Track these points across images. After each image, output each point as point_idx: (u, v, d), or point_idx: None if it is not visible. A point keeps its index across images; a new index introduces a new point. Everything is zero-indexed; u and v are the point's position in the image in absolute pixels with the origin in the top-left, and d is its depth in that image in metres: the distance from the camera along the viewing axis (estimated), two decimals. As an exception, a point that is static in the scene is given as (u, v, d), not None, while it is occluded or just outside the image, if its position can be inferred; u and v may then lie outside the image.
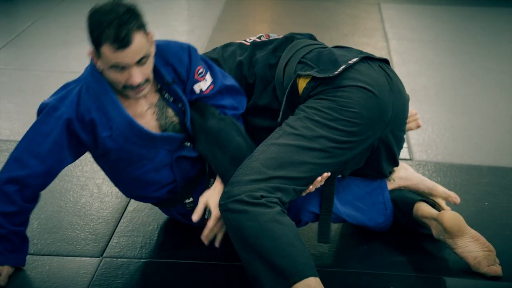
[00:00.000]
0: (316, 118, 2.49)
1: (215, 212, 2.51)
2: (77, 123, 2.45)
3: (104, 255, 2.72)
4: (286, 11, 6.51)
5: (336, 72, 2.53)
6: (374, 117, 2.52)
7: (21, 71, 4.70)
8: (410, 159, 3.55)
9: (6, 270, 2.52)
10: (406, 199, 2.79)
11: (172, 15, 6.04)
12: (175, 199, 2.69)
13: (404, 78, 4.62)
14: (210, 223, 2.52)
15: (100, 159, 2.62)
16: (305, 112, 2.52)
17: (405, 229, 2.82)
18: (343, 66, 2.54)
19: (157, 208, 2.97)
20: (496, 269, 2.58)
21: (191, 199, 2.68)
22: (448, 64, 5.05)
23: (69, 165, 3.33)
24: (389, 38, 5.56)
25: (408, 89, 4.40)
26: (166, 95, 2.56)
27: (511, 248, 2.79)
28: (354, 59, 2.58)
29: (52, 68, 4.77)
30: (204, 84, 2.60)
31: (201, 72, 2.59)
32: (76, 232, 2.85)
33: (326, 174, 2.51)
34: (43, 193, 3.09)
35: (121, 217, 2.96)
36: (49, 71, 4.72)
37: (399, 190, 2.84)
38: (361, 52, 2.67)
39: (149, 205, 3.02)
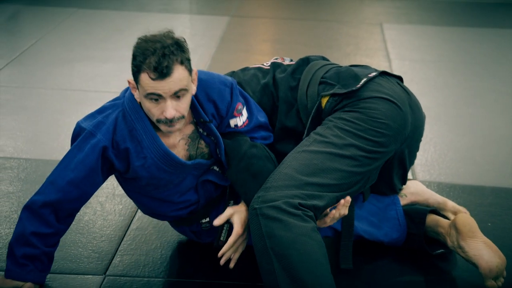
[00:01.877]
0: (346, 128, 2.52)
1: (237, 228, 2.51)
2: (112, 151, 2.48)
3: (107, 273, 2.72)
4: (288, 31, 6.54)
5: (358, 85, 2.58)
6: (399, 129, 2.56)
7: (24, 89, 4.72)
8: (413, 179, 3.54)
9: (28, 286, 2.53)
10: (418, 210, 2.83)
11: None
12: (192, 218, 2.70)
13: (406, 98, 4.68)
14: (231, 240, 2.51)
15: (127, 182, 2.63)
16: (333, 122, 2.55)
17: (411, 247, 2.83)
18: (364, 79, 2.60)
19: (160, 226, 2.98)
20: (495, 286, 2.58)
21: (207, 219, 2.70)
22: (450, 85, 5.06)
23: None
24: (391, 58, 5.59)
25: (410, 109, 4.47)
26: (201, 130, 2.57)
27: (514, 269, 2.79)
28: (374, 73, 2.65)
29: (55, 85, 4.79)
30: (239, 120, 2.62)
31: (240, 109, 2.60)
32: (79, 250, 2.85)
33: (348, 199, 2.52)
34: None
35: (124, 235, 2.96)
36: (52, 88, 4.73)
37: (410, 204, 2.87)
38: (377, 70, 2.72)
39: (152, 223, 3.02)
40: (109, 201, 3.22)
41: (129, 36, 5.93)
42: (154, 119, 2.42)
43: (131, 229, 3.00)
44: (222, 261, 2.55)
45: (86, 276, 2.69)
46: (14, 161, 3.64)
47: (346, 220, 2.67)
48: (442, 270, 2.77)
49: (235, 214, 2.54)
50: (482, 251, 2.60)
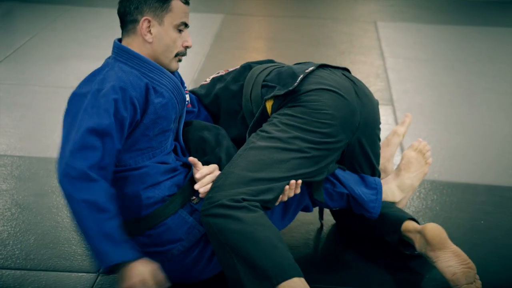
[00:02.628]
0: (290, 122, 2.54)
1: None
2: (131, 90, 2.37)
3: (101, 270, 2.72)
4: (282, 28, 6.54)
5: (295, 84, 2.61)
6: (345, 118, 2.58)
7: (19, 86, 4.71)
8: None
9: (156, 270, 2.31)
10: (395, 217, 2.79)
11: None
12: (181, 195, 2.56)
13: (400, 96, 4.70)
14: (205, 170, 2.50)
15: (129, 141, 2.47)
16: (277, 118, 2.57)
17: (389, 247, 2.83)
18: (301, 76, 2.63)
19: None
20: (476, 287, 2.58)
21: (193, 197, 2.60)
22: (444, 83, 5.07)
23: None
24: (386, 56, 5.59)
25: (404, 107, 4.49)
26: None
27: (507, 267, 2.80)
28: (311, 68, 2.69)
29: (49, 82, 4.78)
30: None
31: None
32: (73, 247, 2.84)
33: (298, 182, 2.51)
34: (40, 208, 3.11)
35: (118, 233, 2.95)
36: (46, 85, 4.72)
37: (390, 207, 2.86)
38: (317, 64, 2.75)
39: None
40: (103, 198, 3.21)
41: (123, 34, 5.95)
42: (174, 53, 2.48)
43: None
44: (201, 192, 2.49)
45: (79, 274, 2.68)
46: (8, 158, 3.63)
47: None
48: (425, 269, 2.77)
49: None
50: (450, 262, 2.58)
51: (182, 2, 2.46)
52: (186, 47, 2.50)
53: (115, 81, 2.34)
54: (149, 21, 2.43)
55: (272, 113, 2.65)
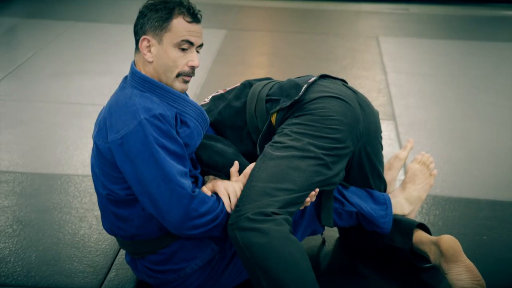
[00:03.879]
0: (301, 131, 2.56)
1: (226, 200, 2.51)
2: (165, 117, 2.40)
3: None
4: (285, 44, 6.56)
5: (300, 93, 2.65)
6: (352, 124, 2.61)
7: (21, 102, 4.72)
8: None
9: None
10: (406, 223, 2.81)
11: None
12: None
13: (402, 111, 4.70)
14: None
15: None
16: (288, 128, 2.59)
17: (402, 261, 2.82)
18: (305, 86, 2.67)
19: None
20: None
21: None
22: (446, 98, 5.07)
23: (68, 197, 3.37)
24: (388, 71, 5.60)
25: (406, 122, 4.49)
26: None
27: (509, 283, 2.78)
28: (313, 78, 2.73)
29: (52, 99, 4.79)
30: None
31: None
32: (74, 264, 2.84)
33: (316, 190, 2.54)
34: (41, 225, 3.11)
35: (120, 249, 2.96)
36: (49, 101, 4.74)
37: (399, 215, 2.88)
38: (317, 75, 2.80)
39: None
40: (105, 215, 3.21)
41: (127, 49, 5.95)
42: (175, 73, 2.42)
43: (127, 243, 3.00)
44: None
45: (81, 291, 2.68)
46: (10, 175, 3.63)
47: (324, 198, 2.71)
48: (434, 282, 2.77)
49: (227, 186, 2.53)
50: (462, 275, 2.59)
51: (186, 21, 2.40)
52: (192, 67, 2.43)
53: (155, 111, 2.34)
54: (148, 40, 2.41)
55: (277, 124, 2.67)
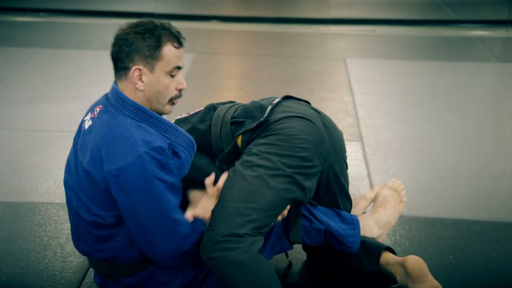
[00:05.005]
0: (269, 150, 2.57)
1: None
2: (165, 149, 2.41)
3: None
4: (253, 66, 6.58)
5: (265, 115, 2.66)
6: (318, 143, 2.63)
7: (-14, 130, 4.67)
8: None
9: None
10: (374, 245, 2.82)
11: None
12: None
13: (369, 131, 4.72)
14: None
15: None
16: (255, 148, 2.60)
17: (369, 282, 2.82)
18: (270, 107, 2.69)
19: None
20: None
21: None
22: (413, 118, 5.10)
23: (32, 225, 3.33)
24: (355, 93, 5.63)
25: (373, 143, 4.51)
26: None
27: (476, 302, 2.80)
28: (277, 100, 2.76)
29: (17, 126, 4.75)
30: None
31: None
32: (38, 293, 2.80)
33: (287, 207, 2.59)
34: (4, 254, 3.06)
35: (84, 277, 2.92)
36: (14, 129, 4.69)
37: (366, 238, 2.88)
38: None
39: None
40: (69, 242, 3.18)
41: (94, 74, 5.95)
42: (167, 99, 2.42)
43: (91, 271, 2.96)
44: None
45: (44, 320, 2.64)
46: (-27, 203, 3.58)
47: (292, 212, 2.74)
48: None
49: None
50: None
51: (174, 47, 2.38)
52: (180, 90, 2.45)
53: (155, 143, 2.34)
54: (139, 70, 2.38)
55: (243, 146, 2.68)
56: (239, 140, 2.69)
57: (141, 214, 2.33)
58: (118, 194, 2.35)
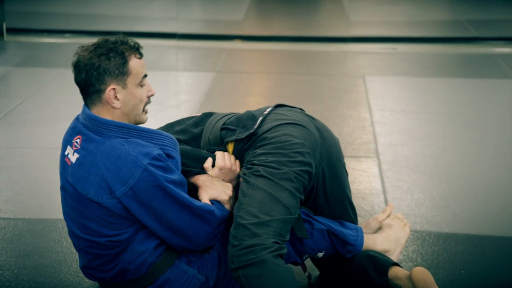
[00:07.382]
0: (270, 159, 2.62)
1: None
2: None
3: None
4: (272, 85, 6.63)
5: (255, 126, 2.72)
6: (313, 146, 2.69)
7: (7, 149, 4.76)
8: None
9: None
10: (382, 260, 2.84)
11: (160, 90, 6.14)
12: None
13: (386, 148, 4.74)
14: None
15: None
16: (255, 159, 2.65)
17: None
18: (261, 118, 2.75)
19: None
20: None
21: None
22: (430, 135, 5.11)
23: (49, 241, 3.38)
24: (373, 110, 5.65)
25: (389, 159, 4.53)
26: None
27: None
28: (269, 109, 2.82)
29: (38, 145, 4.83)
30: None
31: None
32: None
33: None
34: (21, 270, 3.11)
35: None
36: (35, 147, 4.78)
37: (377, 252, 2.91)
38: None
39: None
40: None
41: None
42: (141, 108, 2.53)
43: None
44: None
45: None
46: (-7, 220, 3.66)
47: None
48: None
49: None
50: None
51: (137, 58, 2.50)
52: (150, 96, 2.57)
53: (153, 153, 2.44)
54: (114, 89, 2.47)
55: (235, 155, 2.76)
56: (230, 148, 2.76)
57: (167, 217, 2.46)
58: (139, 210, 2.44)
